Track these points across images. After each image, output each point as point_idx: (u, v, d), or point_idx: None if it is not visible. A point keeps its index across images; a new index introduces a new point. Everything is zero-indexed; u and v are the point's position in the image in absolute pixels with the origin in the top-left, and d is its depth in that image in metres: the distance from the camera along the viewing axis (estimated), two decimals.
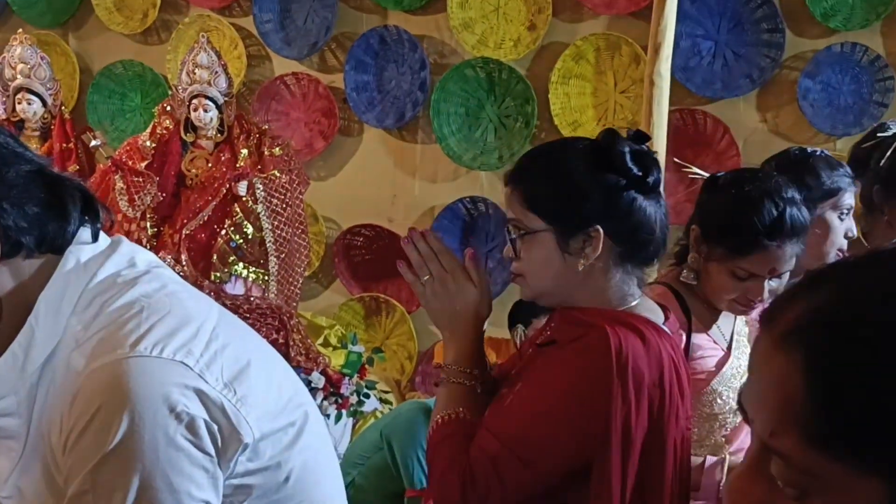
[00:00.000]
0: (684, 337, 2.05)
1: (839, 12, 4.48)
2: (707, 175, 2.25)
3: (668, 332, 1.73)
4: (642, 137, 1.73)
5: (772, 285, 2.08)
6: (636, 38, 4.68)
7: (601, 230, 1.66)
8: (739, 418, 2.17)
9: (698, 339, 2.14)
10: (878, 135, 2.55)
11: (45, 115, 4.76)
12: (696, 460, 2.06)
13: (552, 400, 1.62)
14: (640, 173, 1.67)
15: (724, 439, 2.20)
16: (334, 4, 5.32)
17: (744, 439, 2.18)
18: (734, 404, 2.13)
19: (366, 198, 5.40)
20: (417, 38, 5.18)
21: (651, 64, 4.04)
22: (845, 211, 2.44)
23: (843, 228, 2.44)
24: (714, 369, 2.16)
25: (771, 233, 2.02)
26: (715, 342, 2.19)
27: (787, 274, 2.09)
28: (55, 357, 1.17)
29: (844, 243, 2.45)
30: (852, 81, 4.53)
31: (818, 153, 2.49)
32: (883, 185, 2.46)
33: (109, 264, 1.21)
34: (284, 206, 4.38)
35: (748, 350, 2.20)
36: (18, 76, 4.71)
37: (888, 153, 2.45)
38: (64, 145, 4.73)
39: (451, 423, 1.70)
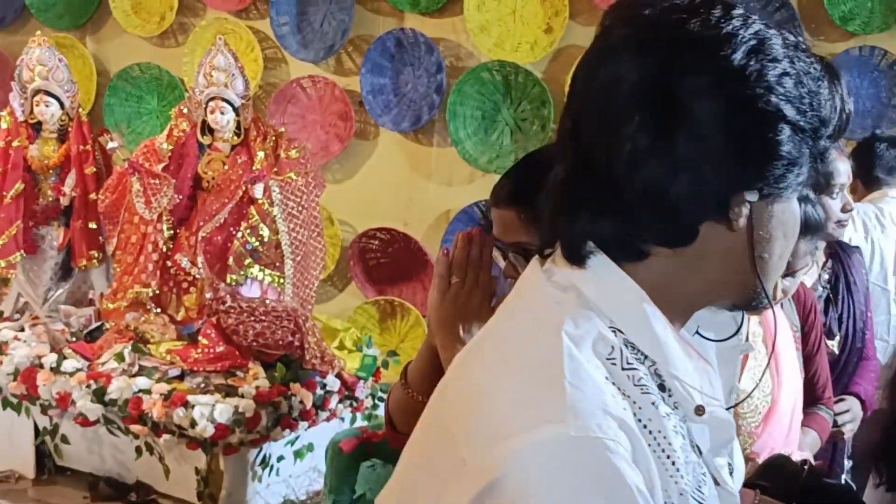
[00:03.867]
0: None
1: (858, 15, 4.46)
2: None
3: None
4: None
5: None
6: None
7: None
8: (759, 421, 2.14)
9: None
10: None
11: (63, 118, 4.76)
12: None
13: None
14: None
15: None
16: (351, 7, 5.32)
17: (766, 440, 2.16)
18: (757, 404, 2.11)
19: (381, 201, 5.40)
20: (434, 41, 5.18)
21: None
22: None
23: None
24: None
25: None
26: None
27: None
28: None
29: None
30: (871, 85, 4.50)
31: None
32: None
33: None
34: (300, 208, 4.37)
35: (763, 352, 2.17)
36: (36, 78, 4.72)
37: None
38: (81, 147, 4.73)
39: None
